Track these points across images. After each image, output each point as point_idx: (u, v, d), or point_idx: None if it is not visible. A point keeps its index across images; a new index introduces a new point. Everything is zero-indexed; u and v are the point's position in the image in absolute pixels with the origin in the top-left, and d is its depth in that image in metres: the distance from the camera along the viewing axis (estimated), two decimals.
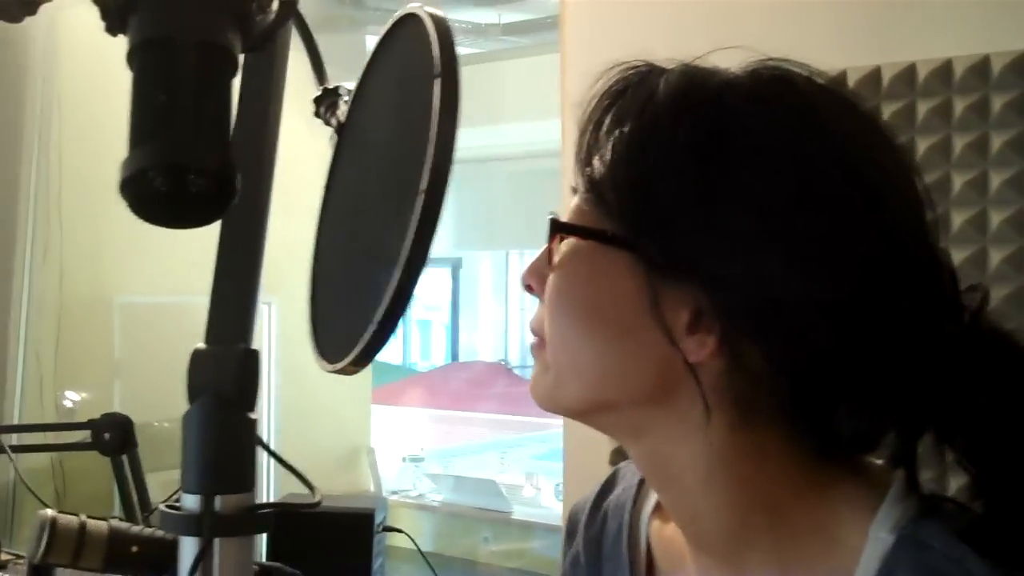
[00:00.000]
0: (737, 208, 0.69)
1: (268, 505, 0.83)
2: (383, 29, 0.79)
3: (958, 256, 0.74)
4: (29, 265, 3.52)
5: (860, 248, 0.70)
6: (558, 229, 0.75)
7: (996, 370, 0.71)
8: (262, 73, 0.84)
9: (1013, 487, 0.71)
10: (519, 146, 6.68)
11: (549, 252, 0.76)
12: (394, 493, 4.26)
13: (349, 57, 4.95)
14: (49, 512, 1.16)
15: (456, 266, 12.83)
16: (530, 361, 0.81)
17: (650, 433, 0.76)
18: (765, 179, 0.70)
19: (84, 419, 3.61)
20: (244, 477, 0.83)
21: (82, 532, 1.15)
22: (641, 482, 0.90)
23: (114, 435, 1.59)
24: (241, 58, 0.61)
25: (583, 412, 0.78)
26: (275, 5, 0.62)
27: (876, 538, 0.71)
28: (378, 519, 2.17)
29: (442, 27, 0.64)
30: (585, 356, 0.75)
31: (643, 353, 0.73)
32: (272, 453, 0.91)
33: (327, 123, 0.78)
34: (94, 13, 0.58)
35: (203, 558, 0.80)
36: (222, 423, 0.81)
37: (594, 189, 0.74)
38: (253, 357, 0.83)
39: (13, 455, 1.66)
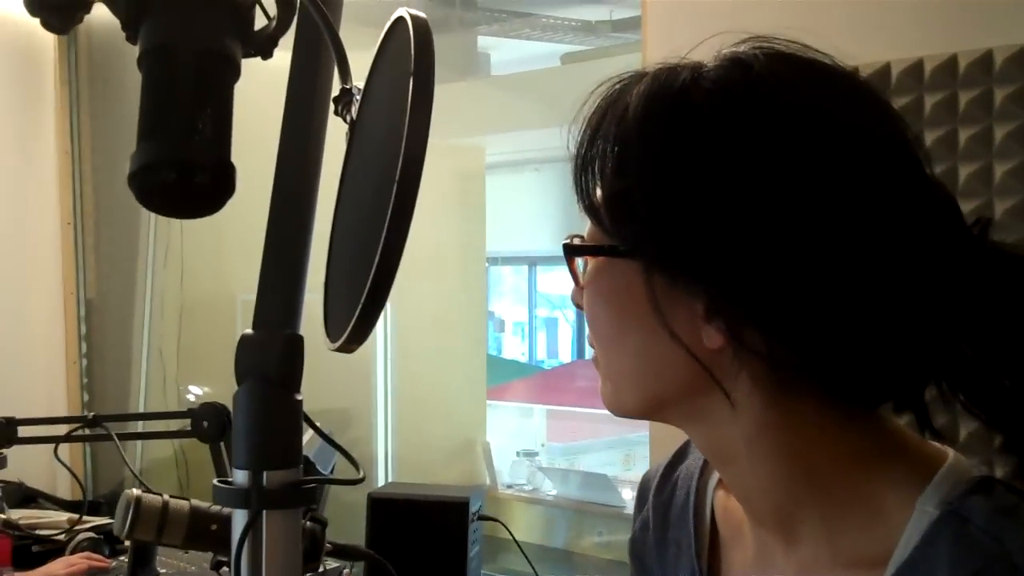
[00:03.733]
0: (713, 203, 0.72)
1: (312, 480, 0.88)
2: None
3: None
4: (152, 266, 3.68)
5: (844, 215, 0.72)
6: (569, 252, 0.81)
7: (1007, 285, 0.73)
8: (307, 72, 0.89)
9: None
10: None
11: (573, 273, 0.81)
12: (509, 487, 4.30)
13: (461, 58, 5.03)
14: (134, 491, 1.24)
15: None
16: None
17: (701, 420, 0.80)
18: (734, 170, 0.72)
19: None
20: (290, 454, 0.88)
21: (164, 510, 1.23)
22: None
23: (212, 423, 1.67)
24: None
25: (643, 412, 0.83)
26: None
27: (922, 511, 0.73)
28: (474, 508, 2.22)
29: (420, 27, 0.69)
30: (626, 362, 0.81)
31: (672, 351, 0.76)
32: (319, 431, 0.96)
33: (344, 120, 0.83)
34: None
35: (251, 528, 0.86)
36: (267, 404, 0.87)
37: (590, 209, 0.78)
38: (297, 342, 0.88)
39: (121, 443, 1.75)
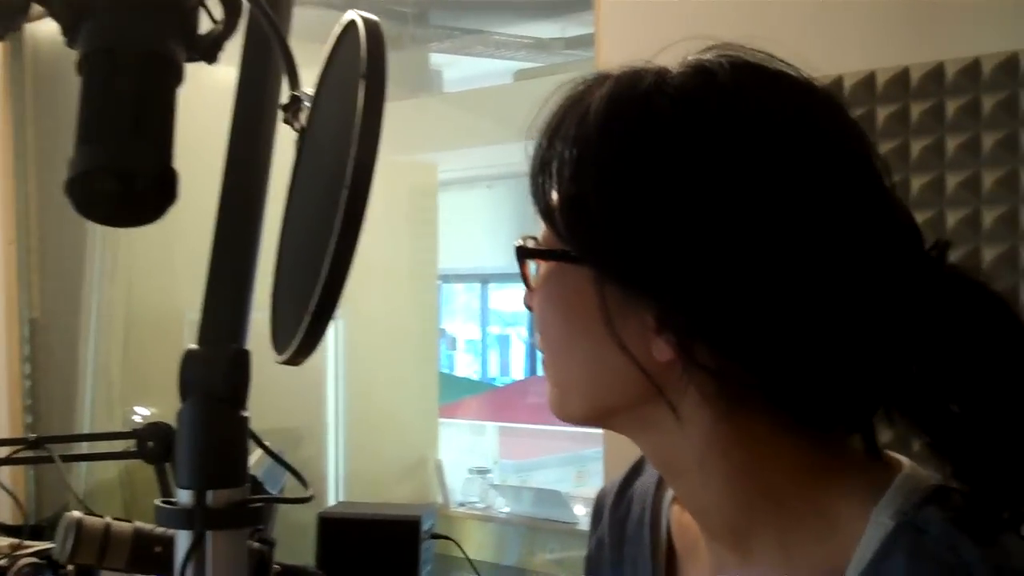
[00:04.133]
0: (667, 215, 0.71)
1: (258, 499, 0.86)
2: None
3: (953, 256, 0.76)
4: (98, 283, 3.62)
5: (801, 233, 0.70)
6: (521, 255, 0.79)
7: (963, 311, 0.72)
8: (255, 78, 0.87)
9: (986, 458, 0.72)
10: None
11: (524, 277, 0.79)
12: (461, 505, 4.28)
13: (413, 75, 5.01)
14: (75, 514, 1.21)
15: None
16: None
17: (650, 430, 0.79)
18: (690, 182, 0.71)
19: None
20: (235, 472, 0.86)
21: (107, 533, 1.19)
22: None
23: (157, 443, 1.62)
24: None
25: (590, 419, 0.81)
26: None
27: (877, 523, 0.72)
28: (425, 526, 2.19)
29: (372, 31, 0.67)
30: (574, 370, 0.79)
31: (621, 362, 0.74)
32: (266, 448, 0.94)
33: (293, 128, 0.81)
34: None
35: (195, 550, 0.83)
36: (212, 421, 0.85)
37: (545, 212, 0.76)
38: (244, 357, 0.86)
39: (65, 464, 1.70)
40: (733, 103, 0.72)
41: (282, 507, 3.17)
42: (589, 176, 0.73)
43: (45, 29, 3.84)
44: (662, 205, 0.71)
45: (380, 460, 4.12)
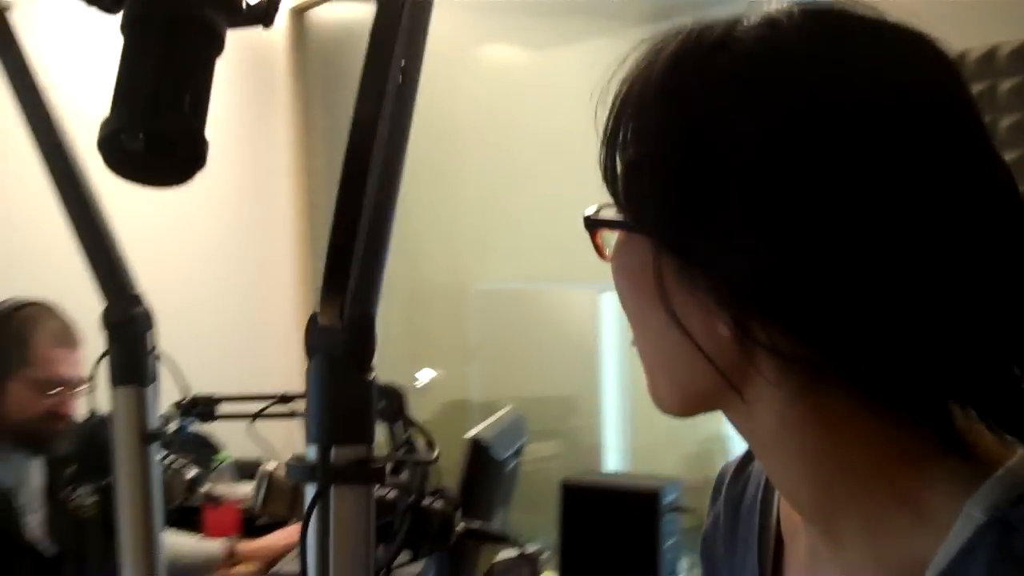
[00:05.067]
0: (725, 183, 0.64)
1: (380, 458, 0.88)
2: None
3: None
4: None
5: (887, 202, 0.62)
6: (587, 224, 0.75)
7: None
8: (385, 48, 0.88)
9: None
10: None
11: (596, 246, 0.75)
12: None
13: None
14: (269, 466, 1.28)
15: None
16: None
17: (728, 412, 0.74)
18: (751, 146, 0.64)
19: (438, 398, 3.89)
20: (359, 430, 0.88)
21: (297, 485, 1.26)
22: None
23: (388, 404, 1.70)
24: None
25: (681, 407, 0.75)
26: None
27: (968, 516, 0.65)
28: (667, 499, 2.16)
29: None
30: (651, 347, 0.74)
31: (684, 337, 0.70)
32: (393, 411, 0.96)
33: None
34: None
35: (318, 503, 0.86)
36: (334, 381, 0.87)
37: (609, 179, 0.72)
38: (367, 322, 0.88)
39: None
40: (798, 58, 0.65)
41: (540, 472, 3.23)
42: (645, 140, 0.69)
43: (326, 14, 4.08)
44: (715, 172, 0.65)
45: (663, 433, 4.09)
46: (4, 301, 2.51)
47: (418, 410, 3.83)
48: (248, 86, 3.90)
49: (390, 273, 3.19)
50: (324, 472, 0.86)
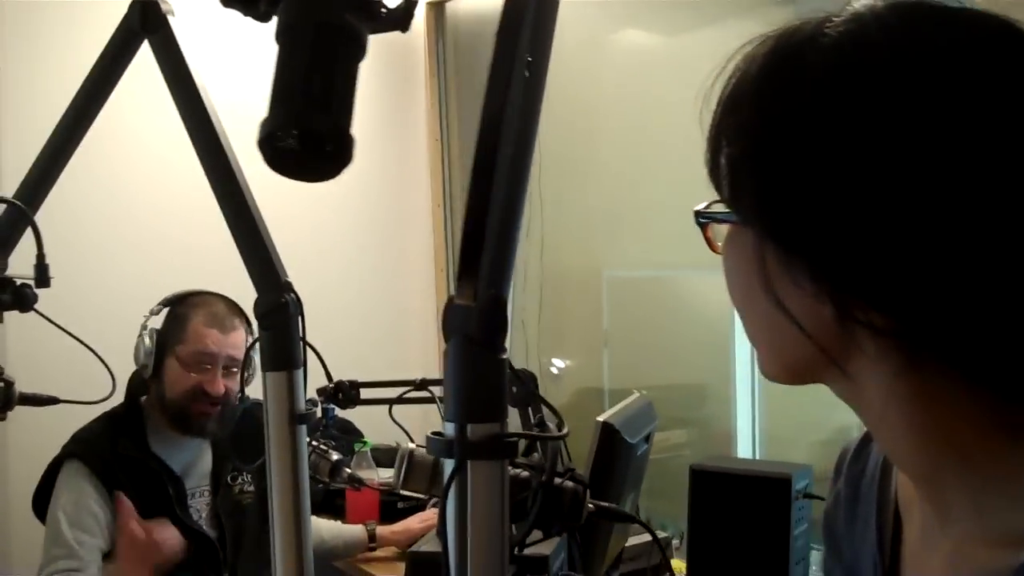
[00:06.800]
0: (818, 175, 0.68)
1: (513, 434, 0.93)
2: None
3: None
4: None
5: (974, 188, 0.65)
6: (697, 218, 0.80)
7: None
8: (512, 41, 0.93)
9: None
10: None
11: (707, 239, 0.81)
12: None
13: None
14: (409, 445, 1.35)
15: None
16: None
17: (836, 388, 0.78)
18: (841, 140, 0.67)
19: (572, 385, 3.93)
20: (493, 409, 0.93)
21: (436, 463, 1.32)
22: None
23: (519, 388, 1.75)
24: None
25: (789, 378, 0.80)
26: None
27: None
28: (798, 485, 2.17)
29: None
30: (757, 330, 0.79)
31: (787, 321, 0.74)
32: (528, 390, 1.01)
33: None
34: None
35: (456, 477, 0.92)
36: (469, 362, 0.93)
37: (712, 174, 0.77)
38: (500, 304, 0.93)
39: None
40: (882, 49, 0.68)
41: (672, 460, 3.24)
42: (743, 136, 0.73)
43: (463, 9, 4.16)
44: (808, 166, 0.68)
45: (795, 422, 4.06)
46: (183, 291, 2.66)
47: (552, 397, 3.88)
48: (388, 78, 4.02)
49: (524, 260, 3.24)
50: (461, 448, 0.91)
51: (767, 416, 3.97)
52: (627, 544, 2.42)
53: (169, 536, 2.51)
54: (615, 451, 1.91)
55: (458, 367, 0.93)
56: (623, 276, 4.02)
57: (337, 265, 3.95)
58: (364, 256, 4.04)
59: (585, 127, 3.81)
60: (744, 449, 3.89)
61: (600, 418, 1.91)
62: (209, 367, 2.58)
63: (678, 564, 2.64)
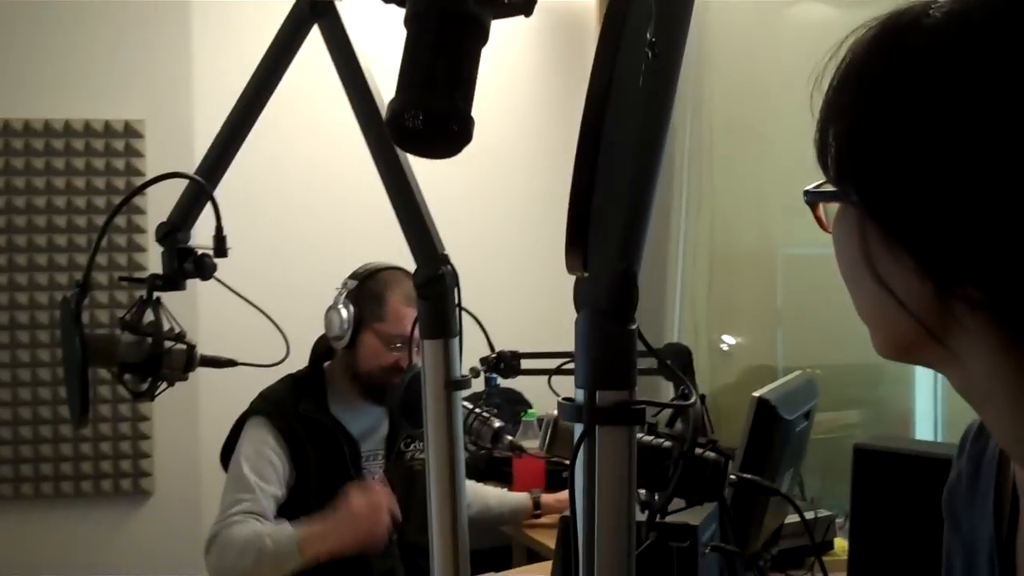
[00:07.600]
0: (919, 156, 0.69)
1: (640, 402, 0.97)
2: None
3: None
4: (684, 218, 3.87)
5: None
6: (807, 198, 0.82)
7: None
8: (617, 21, 0.96)
9: None
10: None
11: (817, 219, 0.82)
12: None
13: None
14: (554, 412, 1.39)
15: None
16: None
17: (941, 367, 0.79)
18: (943, 122, 0.68)
19: (743, 362, 3.90)
20: (621, 376, 0.97)
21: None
22: None
23: (675, 362, 1.78)
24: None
25: (895, 355, 0.81)
26: None
27: None
28: None
29: None
30: (865, 308, 0.80)
31: (892, 300, 0.75)
32: (655, 353, 1.04)
33: None
34: None
35: (584, 441, 0.97)
36: (597, 332, 0.97)
37: (821, 154, 0.79)
38: (630, 277, 0.97)
39: None
40: (985, 32, 0.68)
41: (845, 440, 3.19)
42: (847, 117, 0.74)
43: None
44: (908, 145, 0.70)
45: None
46: (368, 264, 2.78)
47: (721, 374, 3.86)
48: (559, 49, 4.07)
49: (693, 237, 3.24)
50: (590, 413, 0.96)
51: (953, 398, 3.85)
52: (786, 521, 2.41)
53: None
54: (771, 427, 1.92)
55: (587, 337, 0.97)
56: (799, 253, 3.96)
57: (503, 242, 4.08)
58: (527, 233, 4.14)
59: (759, 104, 3.77)
60: (924, 431, 3.79)
61: (756, 393, 1.92)
62: (405, 345, 2.70)
63: (841, 543, 2.62)
